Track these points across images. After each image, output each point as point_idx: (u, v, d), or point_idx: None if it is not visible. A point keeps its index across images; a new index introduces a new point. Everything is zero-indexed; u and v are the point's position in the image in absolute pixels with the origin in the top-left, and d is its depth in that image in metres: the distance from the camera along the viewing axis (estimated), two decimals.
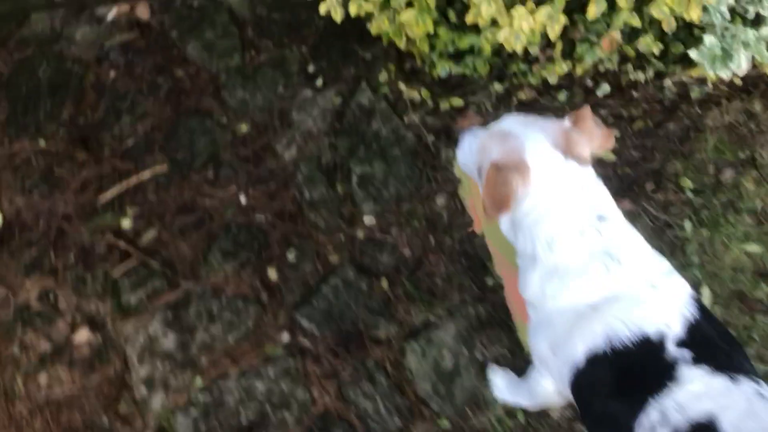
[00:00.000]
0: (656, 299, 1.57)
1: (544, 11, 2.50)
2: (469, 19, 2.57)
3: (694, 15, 2.46)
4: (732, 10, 2.52)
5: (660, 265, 1.67)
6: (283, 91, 3.20)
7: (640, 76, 2.87)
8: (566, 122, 1.77)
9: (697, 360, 1.44)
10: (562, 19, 2.52)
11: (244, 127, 3.11)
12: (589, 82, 2.98)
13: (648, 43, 2.61)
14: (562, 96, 2.97)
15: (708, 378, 1.41)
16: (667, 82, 2.88)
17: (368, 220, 2.79)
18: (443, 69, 2.98)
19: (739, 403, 1.37)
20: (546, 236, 1.66)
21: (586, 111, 1.76)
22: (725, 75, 2.54)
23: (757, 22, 2.56)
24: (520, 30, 2.52)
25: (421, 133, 2.96)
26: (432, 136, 2.95)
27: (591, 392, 1.58)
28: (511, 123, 1.80)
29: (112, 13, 3.47)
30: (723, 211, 2.59)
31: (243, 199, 2.90)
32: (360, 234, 2.77)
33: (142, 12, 3.48)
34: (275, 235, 2.80)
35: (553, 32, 2.53)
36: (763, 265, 2.49)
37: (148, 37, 3.41)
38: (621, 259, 1.61)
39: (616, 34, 2.62)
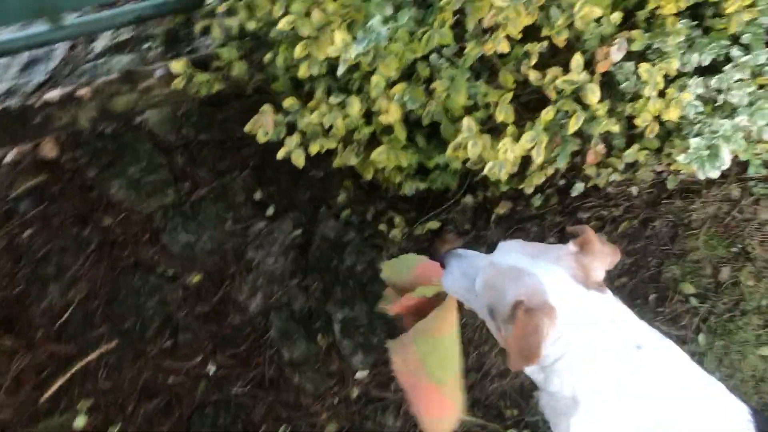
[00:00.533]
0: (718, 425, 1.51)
1: (528, 136, 2.31)
2: (449, 153, 2.35)
3: (673, 115, 2.36)
4: (701, 98, 2.44)
5: (713, 386, 1.58)
6: (232, 227, 2.86)
7: (615, 176, 2.75)
8: (572, 247, 1.60)
9: None
10: (545, 139, 2.35)
11: (196, 278, 2.73)
12: (561, 181, 2.84)
13: (634, 154, 2.49)
14: (537, 201, 2.81)
15: None
16: (643, 175, 2.77)
17: (361, 374, 2.51)
18: (410, 188, 2.75)
19: None
20: (591, 382, 1.53)
21: (590, 232, 1.60)
22: (714, 174, 2.45)
23: (726, 108, 2.49)
24: (505, 161, 2.33)
25: None
26: None
27: None
28: (517, 256, 1.61)
29: (11, 155, 2.99)
30: (730, 315, 2.51)
31: (212, 369, 2.53)
32: (354, 392, 2.48)
33: (48, 150, 3.01)
34: (259, 409, 2.45)
35: (540, 156, 2.35)
36: None
37: (60, 179, 2.95)
38: (665, 375, 1.53)
39: (600, 148, 2.47)
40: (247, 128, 2.39)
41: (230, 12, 2.61)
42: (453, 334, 1.89)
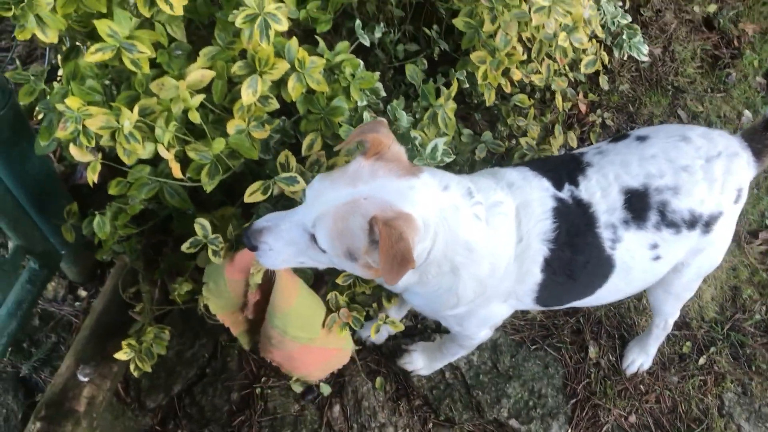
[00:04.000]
0: (524, 187, 1.79)
1: (557, 131, 2.31)
2: None
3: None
4: None
5: (489, 173, 1.86)
6: None
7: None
8: (367, 157, 1.58)
9: (572, 181, 1.82)
10: None
11: None
12: None
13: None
14: None
15: (589, 182, 1.81)
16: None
17: None
18: None
19: (614, 169, 1.81)
20: (462, 248, 1.66)
21: (371, 136, 1.58)
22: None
23: None
24: None
25: None
26: None
27: (561, 279, 1.82)
28: (337, 193, 1.55)
29: None
30: None
31: None
32: None
33: None
34: None
35: (574, 141, 2.37)
36: None
37: None
38: (499, 200, 1.74)
39: (581, 97, 2.55)
40: None
41: None
42: (302, 297, 1.92)
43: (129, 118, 1.51)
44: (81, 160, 1.57)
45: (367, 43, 2.07)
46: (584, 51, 2.20)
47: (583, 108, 2.55)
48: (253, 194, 1.67)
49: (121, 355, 2.05)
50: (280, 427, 2.36)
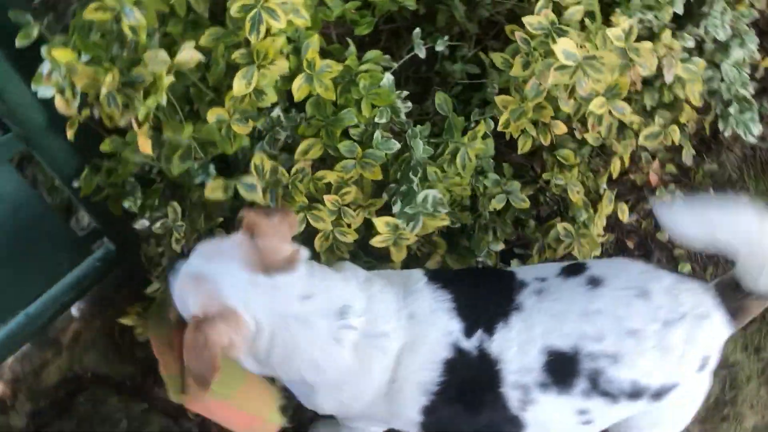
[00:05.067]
0: (422, 324, 1.54)
1: (605, 200, 2.03)
2: None
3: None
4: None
5: (407, 297, 1.59)
6: None
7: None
8: (241, 235, 1.51)
9: (488, 329, 1.51)
10: None
11: None
12: None
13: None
14: None
15: (509, 333, 1.50)
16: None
17: None
18: None
19: (543, 321, 1.50)
20: (306, 364, 1.51)
21: (251, 214, 1.51)
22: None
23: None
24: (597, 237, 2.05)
25: None
26: None
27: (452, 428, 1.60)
28: (197, 260, 1.53)
29: None
30: None
31: None
32: None
33: None
34: None
35: (624, 214, 2.10)
36: None
37: None
38: (384, 330, 1.52)
39: (656, 165, 2.26)
40: None
41: None
42: None
43: (110, 82, 1.49)
44: (64, 113, 1.58)
45: (422, 55, 1.91)
46: (650, 113, 1.92)
47: (653, 179, 2.25)
48: (213, 191, 1.60)
49: (127, 321, 2.08)
50: None
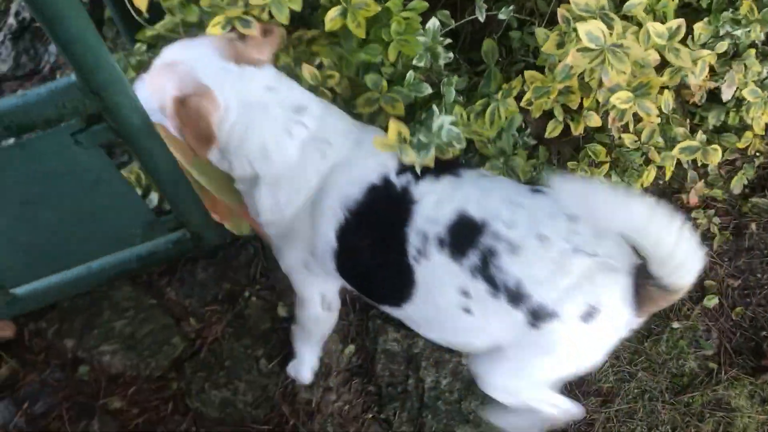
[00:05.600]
0: (366, 151, 1.66)
1: None
2: None
3: None
4: None
5: (362, 128, 1.74)
6: (268, 366, 2.35)
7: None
8: (229, 34, 1.65)
9: (419, 177, 1.61)
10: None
11: None
12: None
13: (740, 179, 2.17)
14: None
15: (437, 185, 1.60)
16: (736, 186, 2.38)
17: None
18: None
19: (471, 191, 1.58)
20: (257, 150, 1.64)
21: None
22: None
23: None
24: None
25: None
26: None
27: (357, 261, 1.71)
28: (172, 51, 1.66)
29: None
30: None
31: None
32: None
33: (2, 330, 2.34)
34: None
35: None
36: None
37: (33, 365, 2.31)
38: (329, 139, 1.66)
39: (700, 185, 2.15)
40: None
41: None
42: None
43: None
44: None
45: (481, 18, 1.88)
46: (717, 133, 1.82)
47: (693, 199, 2.14)
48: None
49: None
50: (242, 335, 2.41)
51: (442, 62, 1.78)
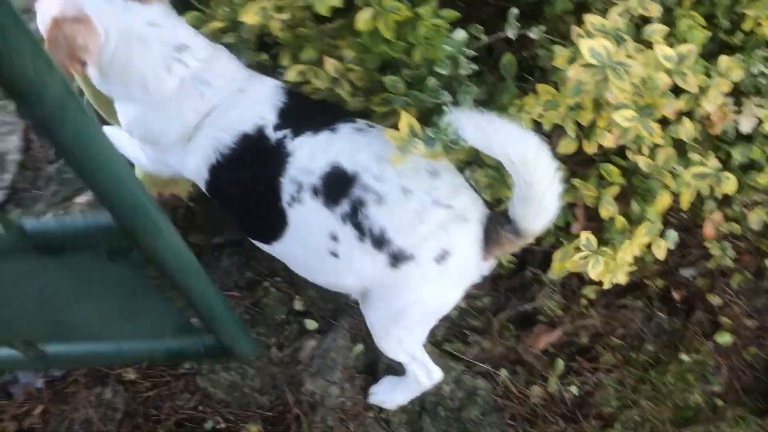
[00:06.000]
0: (246, 100, 1.78)
1: (643, 229, 1.98)
2: (556, 268, 2.00)
3: None
4: None
5: (250, 77, 1.85)
6: (279, 354, 2.43)
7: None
8: None
9: (297, 132, 1.74)
10: (658, 229, 2.03)
11: (253, 429, 2.32)
12: None
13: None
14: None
15: (313, 139, 1.73)
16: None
17: None
18: None
19: (345, 144, 1.71)
20: (136, 80, 1.75)
21: None
22: None
23: None
24: (623, 263, 1.99)
25: None
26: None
27: (230, 201, 1.86)
28: None
29: None
30: None
31: None
32: None
33: None
34: None
35: (661, 251, 2.02)
36: None
37: None
38: (210, 81, 1.77)
39: (718, 217, 2.15)
40: None
41: None
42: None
43: None
44: None
45: (512, 36, 1.92)
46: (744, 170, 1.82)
47: (708, 231, 2.12)
48: None
49: None
50: (258, 322, 2.49)
51: (463, 72, 1.83)
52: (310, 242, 1.76)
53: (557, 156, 1.90)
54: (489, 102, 1.82)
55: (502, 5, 2.11)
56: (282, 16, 1.78)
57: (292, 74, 1.84)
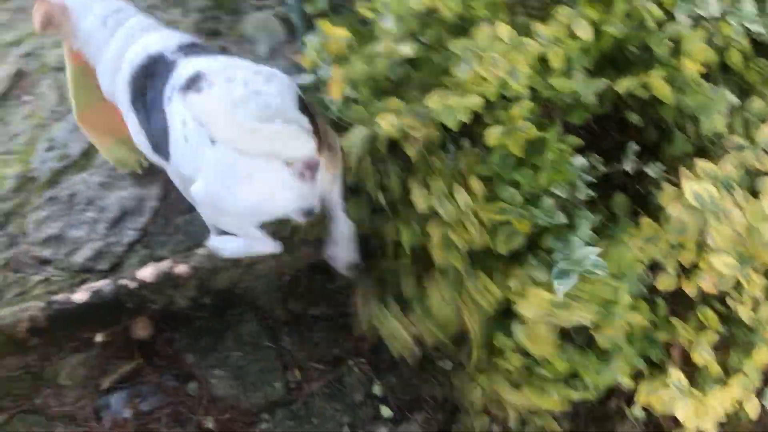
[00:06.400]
0: (154, 38, 2.22)
1: (738, 381, 1.91)
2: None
3: None
4: None
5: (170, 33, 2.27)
6: None
7: None
8: None
9: (187, 55, 2.10)
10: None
11: None
12: None
13: None
14: None
15: (195, 60, 2.06)
16: None
17: None
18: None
19: (212, 62, 2.04)
20: (84, 36, 2.27)
21: None
22: None
23: None
24: (713, 410, 1.92)
25: None
26: None
27: (143, 104, 2.15)
28: None
29: (101, 335, 2.64)
30: None
31: None
32: None
33: (141, 329, 2.67)
34: None
35: (753, 408, 1.94)
36: None
37: (155, 367, 2.61)
38: (133, 27, 2.25)
39: None
40: None
41: None
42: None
43: None
44: None
45: (629, 170, 1.98)
46: None
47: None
48: None
49: None
50: (336, 399, 2.55)
51: (580, 196, 1.89)
52: (173, 132, 2.02)
53: (656, 292, 1.90)
54: (602, 229, 1.86)
55: (623, 139, 2.18)
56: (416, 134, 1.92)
57: (420, 202, 1.97)
